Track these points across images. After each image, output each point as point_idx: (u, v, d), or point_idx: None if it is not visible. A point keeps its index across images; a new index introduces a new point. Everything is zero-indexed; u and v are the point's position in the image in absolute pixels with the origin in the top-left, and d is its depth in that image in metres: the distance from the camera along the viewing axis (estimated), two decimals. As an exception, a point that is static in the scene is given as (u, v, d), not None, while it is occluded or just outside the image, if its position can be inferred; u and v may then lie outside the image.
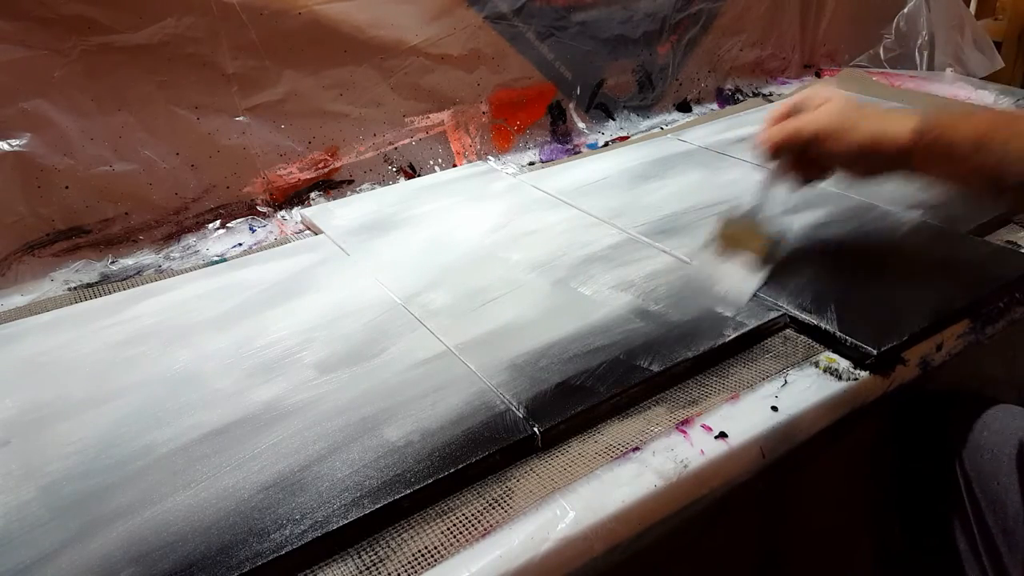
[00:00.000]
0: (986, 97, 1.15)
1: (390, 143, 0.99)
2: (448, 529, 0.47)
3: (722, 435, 0.53)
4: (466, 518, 0.47)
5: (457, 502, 0.49)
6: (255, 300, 0.71)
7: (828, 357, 0.60)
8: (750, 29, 1.27)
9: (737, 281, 0.67)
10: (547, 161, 1.06)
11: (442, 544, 0.46)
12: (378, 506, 0.46)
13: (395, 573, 0.44)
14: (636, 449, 0.52)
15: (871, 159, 0.61)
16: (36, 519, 0.47)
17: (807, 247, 0.73)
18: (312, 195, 0.94)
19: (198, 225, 0.88)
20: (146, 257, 0.84)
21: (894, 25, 1.35)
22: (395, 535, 0.46)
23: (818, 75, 1.34)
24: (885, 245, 0.74)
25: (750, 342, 0.62)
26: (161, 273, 0.81)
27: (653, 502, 0.49)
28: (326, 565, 0.45)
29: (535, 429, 0.52)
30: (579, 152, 1.09)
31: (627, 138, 1.12)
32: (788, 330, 0.64)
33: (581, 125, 1.13)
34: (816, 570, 0.73)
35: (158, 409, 0.57)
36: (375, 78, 0.96)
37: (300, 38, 0.89)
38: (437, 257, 0.77)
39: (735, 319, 0.63)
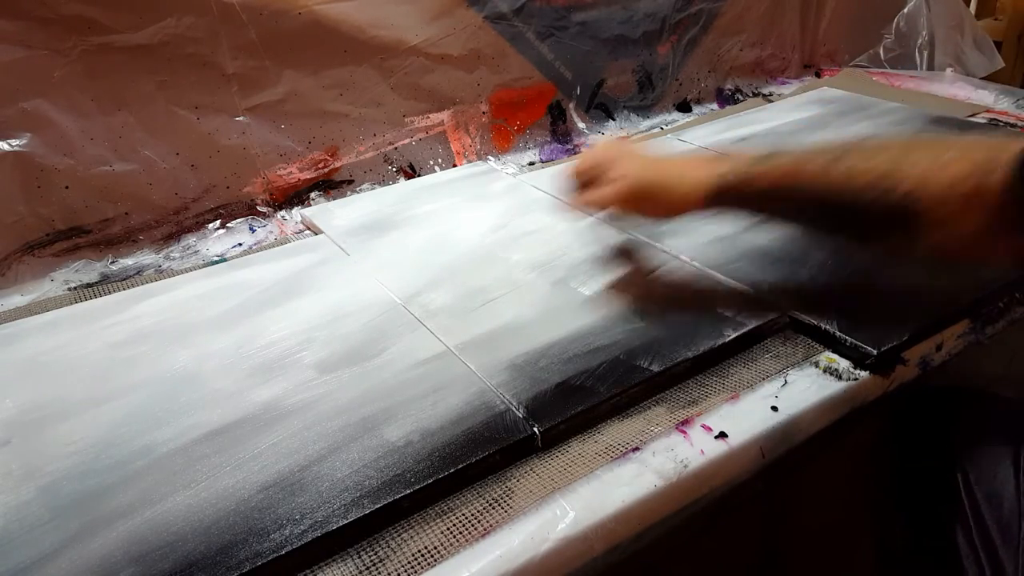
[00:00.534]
0: (986, 97, 1.15)
1: (390, 143, 0.99)
2: (448, 529, 0.47)
3: (722, 435, 0.53)
4: (466, 518, 0.47)
5: (457, 502, 0.49)
6: (255, 300, 0.71)
7: (828, 357, 0.60)
8: (750, 29, 1.27)
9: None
10: (547, 161, 1.06)
11: (442, 544, 0.46)
12: (378, 506, 0.46)
13: (395, 573, 0.44)
14: (636, 449, 0.52)
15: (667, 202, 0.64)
16: (36, 519, 0.47)
17: (807, 247, 0.73)
18: (312, 195, 0.94)
19: (198, 225, 0.88)
20: (146, 257, 0.84)
21: (894, 25, 1.35)
22: (395, 535, 0.46)
23: (818, 75, 1.34)
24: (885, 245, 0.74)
25: (750, 342, 0.62)
26: (161, 273, 0.81)
27: (653, 502, 0.49)
28: (326, 565, 0.45)
29: (535, 429, 0.52)
30: (579, 152, 1.09)
31: (627, 138, 1.12)
32: (788, 330, 0.64)
33: (581, 125, 1.13)
34: (816, 570, 0.73)
35: (158, 409, 0.57)
36: (375, 78, 0.96)
37: (300, 38, 0.89)
38: (437, 257, 0.77)
39: (735, 319, 0.63)
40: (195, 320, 0.68)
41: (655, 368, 0.57)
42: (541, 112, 1.09)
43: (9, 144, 0.76)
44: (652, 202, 0.64)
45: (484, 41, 1.02)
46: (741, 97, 1.26)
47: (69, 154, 0.79)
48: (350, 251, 0.79)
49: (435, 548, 0.45)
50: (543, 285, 0.70)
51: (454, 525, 0.47)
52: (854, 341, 0.60)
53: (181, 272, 0.80)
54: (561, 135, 1.10)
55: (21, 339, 0.68)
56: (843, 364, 0.59)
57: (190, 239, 0.87)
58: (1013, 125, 1.05)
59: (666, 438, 0.53)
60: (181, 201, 0.86)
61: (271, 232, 0.89)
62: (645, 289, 0.69)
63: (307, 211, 0.91)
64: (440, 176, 1.00)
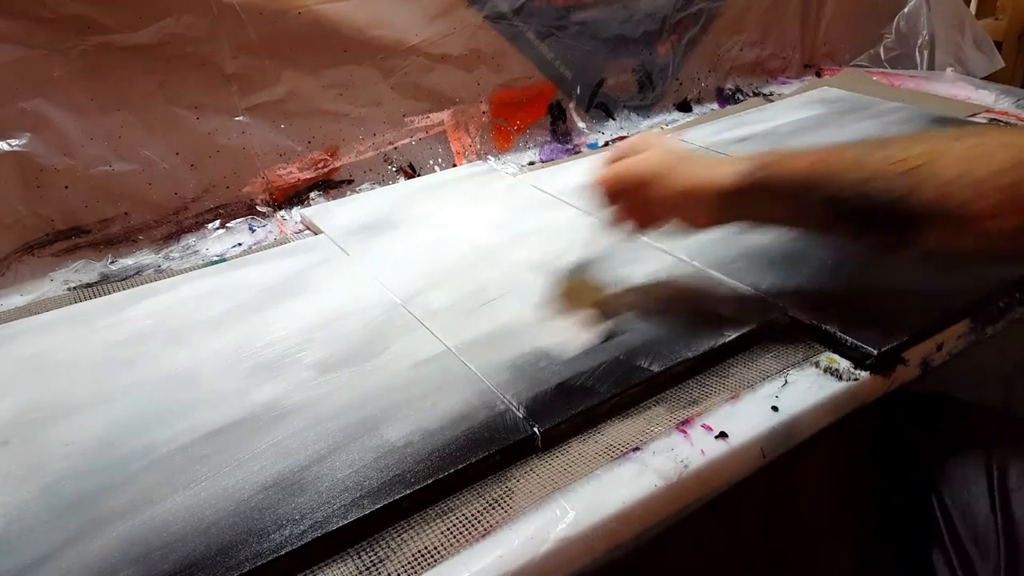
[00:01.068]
0: (986, 97, 1.15)
1: (390, 143, 0.99)
2: (448, 529, 0.47)
3: (722, 435, 0.53)
4: (466, 518, 0.47)
5: (457, 502, 0.49)
6: (255, 300, 0.71)
7: (828, 357, 0.60)
8: (750, 29, 1.27)
9: (568, 338, 0.62)
10: (547, 161, 1.06)
11: (442, 544, 0.46)
12: (378, 506, 0.46)
13: (395, 573, 0.44)
14: (636, 449, 0.52)
15: (696, 206, 0.59)
16: (36, 519, 0.47)
17: (807, 247, 0.73)
18: (312, 195, 0.94)
19: (198, 225, 0.88)
20: (146, 257, 0.84)
21: (894, 25, 1.35)
22: (395, 535, 0.46)
23: (818, 75, 1.34)
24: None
25: (750, 342, 0.62)
26: (161, 273, 0.81)
27: (653, 502, 0.49)
28: (326, 565, 0.45)
29: (535, 429, 0.52)
30: (579, 152, 1.09)
31: (627, 138, 1.12)
32: (788, 330, 0.64)
33: (581, 125, 1.13)
34: (816, 570, 0.73)
35: (158, 409, 0.57)
36: (375, 78, 0.96)
37: (300, 38, 0.89)
38: (437, 257, 0.77)
39: (735, 319, 0.62)
40: (195, 320, 0.68)
41: (655, 368, 0.57)
42: (541, 112, 1.09)
43: (9, 144, 0.76)
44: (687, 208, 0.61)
45: (484, 41, 1.02)
46: (741, 97, 1.26)
47: (69, 154, 0.79)
48: (350, 251, 0.79)
49: (435, 548, 0.45)
50: (543, 285, 0.70)
51: (454, 525, 0.47)
52: (855, 341, 0.59)
53: (181, 272, 0.80)
54: (561, 135, 1.10)
55: (21, 339, 0.68)
56: (843, 364, 0.59)
57: (190, 239, 0.87)
58: (1014, 125, 1.05)
59: (666, 438, 0.53)
60: (181, 201, 0.86)
61: (271, 232, 0.89)
62: (645, 290, 0.69)
63: (307, 211, 0.91)
64: (440, 176, 1.00)
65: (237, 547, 0.44)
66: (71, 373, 0.62)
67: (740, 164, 0.57)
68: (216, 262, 0.82)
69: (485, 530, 0.46)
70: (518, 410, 0.54)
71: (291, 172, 0.93)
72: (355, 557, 0.45)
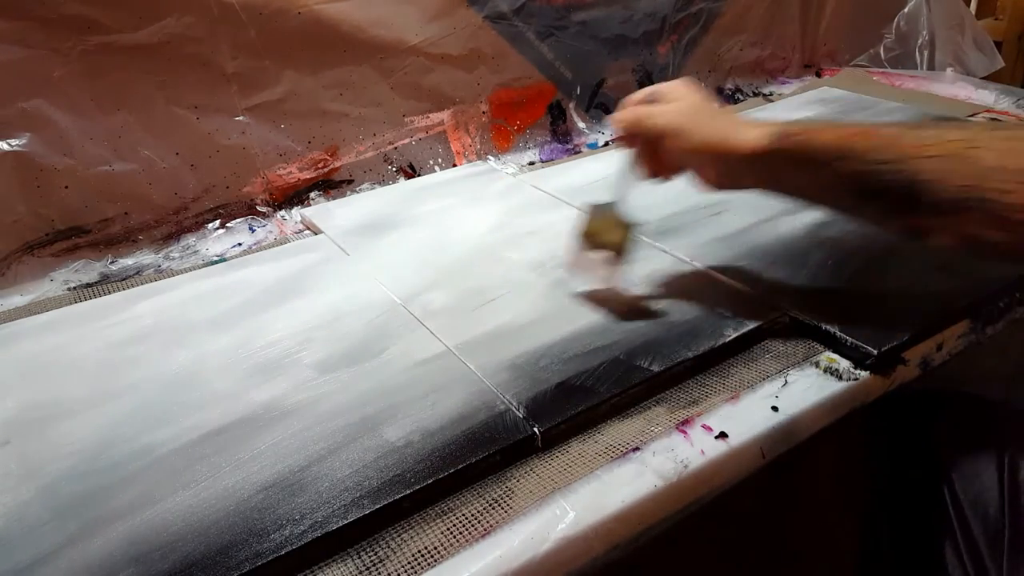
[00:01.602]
0: (986, 97, 1.15)
1: (390, 143, 0.99)
2: (448, 529, 0.47)
3: (722, 435, 0.53)
4: (466, 518, 0.47)
5: (457, 502, 0.49)
6: (255, 300, 0.71)
7: (828, 357, 0.60)
8: (750, 29, 1.27)
9: (600, 278, 0.63)
10: (547, 161, 1.06)
11: (442, 544, 0.46)
12: (378, 506, 0.46)
13: (395, 573, 0.44)
14: (636, 449, 0.52)
15: (717, 163, 0.58)
16: (36, 519, 0.47)
17: (807, 247, 0.73)
18: (312, 195, 0.94)
19: (198, 225, 0.88)
20: (146, 257, 0.84)
21: (894, 25, 1.35)
22: (395, 535, 0.46)
23: (819, 75, 1.34)
24: (886, 245, 0.74)
25: (750, 342, 0.62)
26: (161, 273, 0.81)
27: (653, 502, 0.49)
28: (326, 565, 0.45)
29: (535, 429, 0.52)
30: (579, 152, 1.09)
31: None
32: (788, 330, 0.64)
33: (581, 125, 1.13)
34: (816, 570, 0.73)
35: (158, 409, 0.57)
36: (375, 78, 0.96)
37: (300, 38, 0.89)
38: (437, 257, 0.77)
39: (735, 319, 0.62)
40: (195, 320, 0.68)
41: (655, 368, 0.57)
42: (541, 112, 1.09)
43: (9, 144, 0.76)
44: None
45: (484, 41, 1.02)
46: (741, 97, 1.26)
47: (69, 154, 0.79)
48: (350, 251, 0.79)
49: (435, 548, 0.45)
50: (543, 285, 0.70)
51: (454, 525, 0.47)
52: (854, 341, 0.59)
53: (181, 272, 0.80)
54: (561, 135, 1.10)
55: (21, 339, 0.68)
56: (843, 364, 0.59)
57: (190, 239, 0.87)
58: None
59: (666, 438, 0.53)
60: (181, 201, 0.86)
61: (271, 232, 0.89)
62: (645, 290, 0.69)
63: (307, 211, 0.91)
64: (440, 176, 1.00)
65: (237, 547, 0.44)
66: (71, 373, 0.62)
67: (766, 128, 0.55)
68: (216, 262, 0.82)
69: (485, 530, 0.46)
70: (518, 410, 0.54)
71: (291, 172, 0.93)
72: (355, 557, 0.45)
